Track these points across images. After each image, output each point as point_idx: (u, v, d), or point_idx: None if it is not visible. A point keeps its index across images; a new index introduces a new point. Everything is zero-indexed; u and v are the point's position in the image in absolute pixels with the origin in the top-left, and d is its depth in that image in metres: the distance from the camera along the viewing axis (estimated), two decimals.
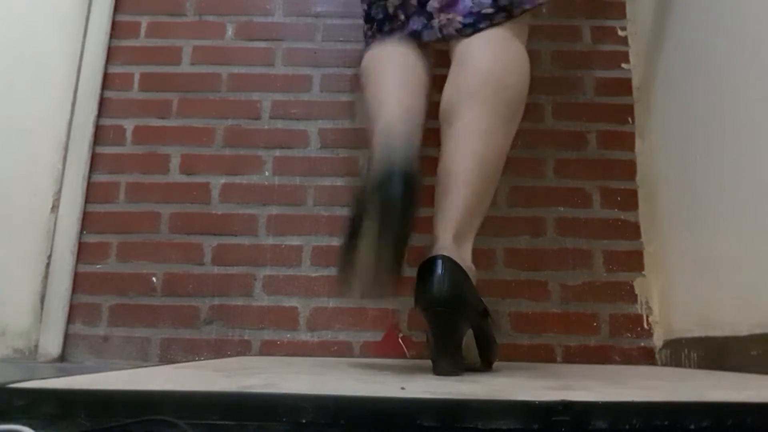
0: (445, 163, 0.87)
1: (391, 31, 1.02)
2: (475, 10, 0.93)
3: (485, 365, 0.86)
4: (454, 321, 0.77)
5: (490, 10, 0.93)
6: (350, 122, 1.37)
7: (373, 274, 0.75)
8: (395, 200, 0.71)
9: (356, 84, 1.07)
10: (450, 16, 0.95)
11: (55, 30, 1.41)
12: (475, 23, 0.93)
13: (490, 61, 0.90)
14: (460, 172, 0.85)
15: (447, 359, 0.76)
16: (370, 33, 1.07)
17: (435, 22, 0.97)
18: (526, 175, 1.33)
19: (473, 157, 0.85)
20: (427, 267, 0.77)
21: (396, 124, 0.87)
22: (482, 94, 0.88)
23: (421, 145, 0.91)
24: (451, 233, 0.81)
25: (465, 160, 0.85)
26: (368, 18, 1.08)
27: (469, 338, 0.81)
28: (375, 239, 0.73)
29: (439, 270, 0.76)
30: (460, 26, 0.94)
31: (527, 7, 0.95)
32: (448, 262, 0.77)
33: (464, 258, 0.82)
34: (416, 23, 0.99)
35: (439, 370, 0.76)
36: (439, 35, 0.97)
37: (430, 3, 0.96)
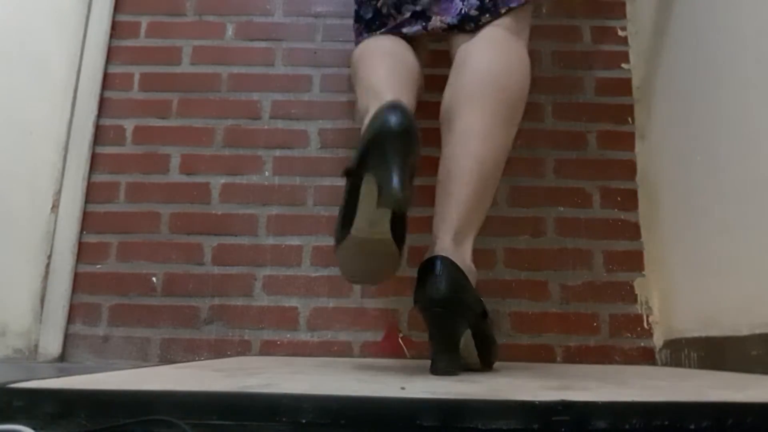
0: (446, 165, 0.88)
1: (380, 28, 1.03)
2: (465, 11, 0.95)
3: (485, 366, 0.86)
4: (451, 321, 0.77)
5: (475, 12, 0.95)
6: (350, 122, 1.37)
7: (374, 241, 0.75)
8: (395, 142, 0.71)
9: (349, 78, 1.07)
10: (440, 17, 0.97)
11: (55, 30, 1.41)
12: (461, 23, 0.95)
13: (489, 63, 0.91)
14: (459, 173, 0.85)
15: (445, 358, 0.76)
16: (359, 32, 1.08)
17: (428, 24, 0.98)
18: (526, 175, 1.33)
19: (473, 158, 0.85)
20: (426, 267, 0.78)
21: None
22: (482, 96, 0.88)
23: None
24: (451, 234, 0.82)
25: (465, 162, 0.85)
26: (358, 17, 1.09)
27: (467, 339, 0.81)
28: (375, 195, 0.73)
29: (438, 270, 0.77)
30: (445, 26, 0.97)
31: (513, 5, 0.96)
32: (447, 262, 0.77)
33: (464, 259, 0.82)
34: (408, 24, 1.00)
35: (436, 369, 0.76)
36: (424, 31, 0.98)
37: (421, 1, 0.97)
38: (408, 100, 0.86)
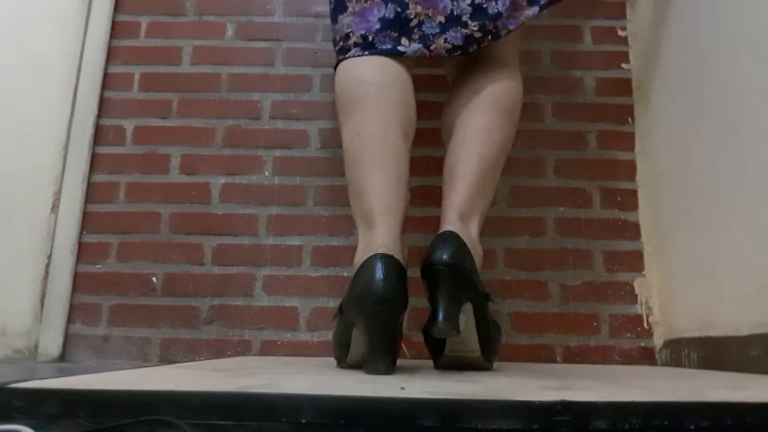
0: (449, 164, 0.95)
1: (376, 44, 0.98)
2: (467, 33, 0.97)
3: (485, 356, 0.85)
4: (454, 283, 0.79)
5: (478, 34, 0.98)
6: None
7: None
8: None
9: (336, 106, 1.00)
10: (442, 37, 0.98)
11: (55, 30, 1.41)
12: (465, 45, 0.98)
13: (489, 88, 0.98)
14: (463, 166, 0.93)
15: (447, 319, 0.77)
16: (351, 41, 0.99)
17: (429, 44, 0.98)
18: (526, 175, 1.33)
19: (475, 154, 0.93)
20: (434, 241, 0.83)
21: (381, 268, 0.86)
22: (482, 109, 0.96)
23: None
24: (457, 213, 0.88)
25: (467, 160, 0.93)
26: (346, 37, 1.05)
27: (468, 317, 0.81)
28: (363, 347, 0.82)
29: (445, 239, 0.83)
30: (450, 47, 0.98)
31: (511, 27, 0.99)
32: (454, 235, 0.83)
33: (471, 237, 0.87)
34: (405, 42, 0.98)
35: (438, 327, 0.78)
36: (427, 53, 0.99)
37: (426, 25, 0.98)
38: (399, 216, 0.89)
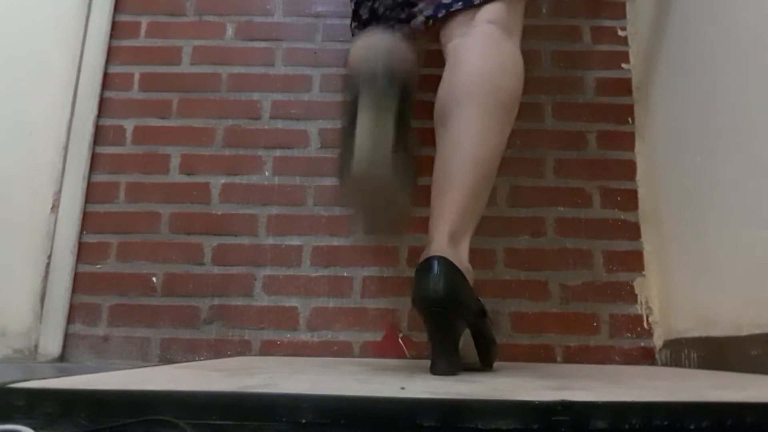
0: (440, 165, 0.87)
1: (375, 24, 1.04)
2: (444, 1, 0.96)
3: (485, 366, 0.86)
4: (450, 320, 0.77)
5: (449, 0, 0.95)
6: None
7: (377, 180, 0.74)
8: (383, 79, 0.74)
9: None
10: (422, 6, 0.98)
11: (55, 30, 1.41)
12: (435, 12, 0.96)
13: (483, 62, 0.90)
14: (454, 172, 0.85)
15: (444, 359, 0.76)
16: (355, 31, 1.09)
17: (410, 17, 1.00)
18: (526, 175, 1.33)
19: (468, 159, 0.85)
20: (423, 268, 0.77)
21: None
22: (475, 95, 0.88)
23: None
24: (447, 234, 0.81)
25: (459, 161, 0.85)
26: (355, 16, 1.11)
27: (467, 339, 0.81)
28: (372, 121, 0.74)
29: (435, 271, 0.76)
30: (423, 18, 0.98)
31: None
32: (444, 262, 0.77)
33: (461, 259, 0.81)
34: (405, 21, 1.02)
35: (436, 370, 0.76)
36: (407, 28, 1.00)
37: (418, 6, 1.00)
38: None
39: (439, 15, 0.97)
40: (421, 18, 0.99)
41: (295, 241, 1.31)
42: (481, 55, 0.90)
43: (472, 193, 0.84)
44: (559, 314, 1.26)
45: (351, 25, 1.13)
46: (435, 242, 0.81)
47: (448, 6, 0.96)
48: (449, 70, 0.93)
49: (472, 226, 0.86)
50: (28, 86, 1.37)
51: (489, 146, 0.87)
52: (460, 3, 0.95)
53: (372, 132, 0.75)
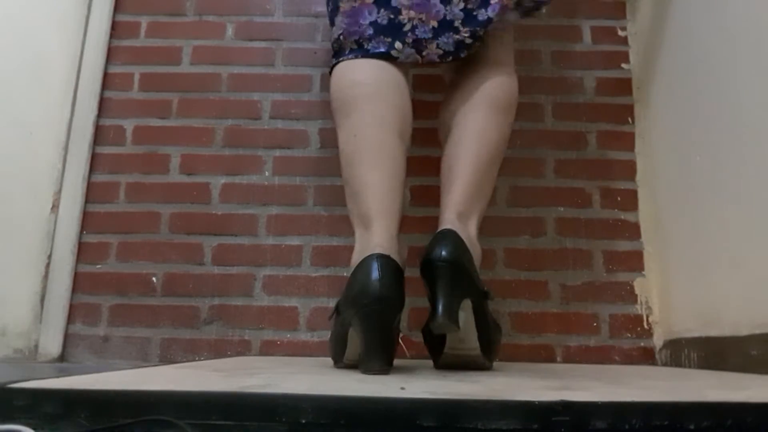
0: (447, 162, 0.96)
1: (370, 49, 0.99)
2: (458, 38, 0.98)
3: (485, 354, 0.85)
4: (453, 279, 0.80)
5: (469, 40, 0.98)
6: None
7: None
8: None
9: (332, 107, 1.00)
10: (434, 43, 0.99)
11: (55, 30, 1.41)
12: (456, 51, 0.99)
13: (485, 87, 0.99)
14: (460, 166, 0.94)
15: (446, 314, 0.78)
16: (346, 45, 1.01)
17: (422, 49, 0.99)
18: (526, 175, 1.33)
19: (471, 154, 0.94)
20: (432, 240, 0.84)
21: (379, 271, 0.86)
22: (477, 109, 0.97)
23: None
24: (455, 213, 0.89)
25: (464, 159, 0.94)
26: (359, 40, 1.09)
27: (468, 314, 0.81)
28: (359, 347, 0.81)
29: (443, 236, 0.83)
30: (441, 52, 0.99)
31: (498, 26, 1.00)
32: (452, 233, 0.83)
33: (469, 235, 0.88)
34: (398, 46, 0.99)
35: (436, 326, 0.79)
36: (419, 59, 1.00)
37: (420, 29, 0.98)
38: (396, 216, 0.90)
39: (462, 55, 1.00)
40: (436, 52, 0.99)
41: (295, 241, 1.31)
42: (484, 81, 1.00)
43: (477, 179, 0.93)
44: (559, 314, 1.26)
45: (333, 49, 1.04)
46: (444, 219, 0.89)
47: (469, 47, 0.99)
48: (452, 95, 1.02)
49: (479, 209, 0.93)
50: (28, 86, 1.37)
51: (489, 143, 0.96)
52: (477, 43, 0.99)
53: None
